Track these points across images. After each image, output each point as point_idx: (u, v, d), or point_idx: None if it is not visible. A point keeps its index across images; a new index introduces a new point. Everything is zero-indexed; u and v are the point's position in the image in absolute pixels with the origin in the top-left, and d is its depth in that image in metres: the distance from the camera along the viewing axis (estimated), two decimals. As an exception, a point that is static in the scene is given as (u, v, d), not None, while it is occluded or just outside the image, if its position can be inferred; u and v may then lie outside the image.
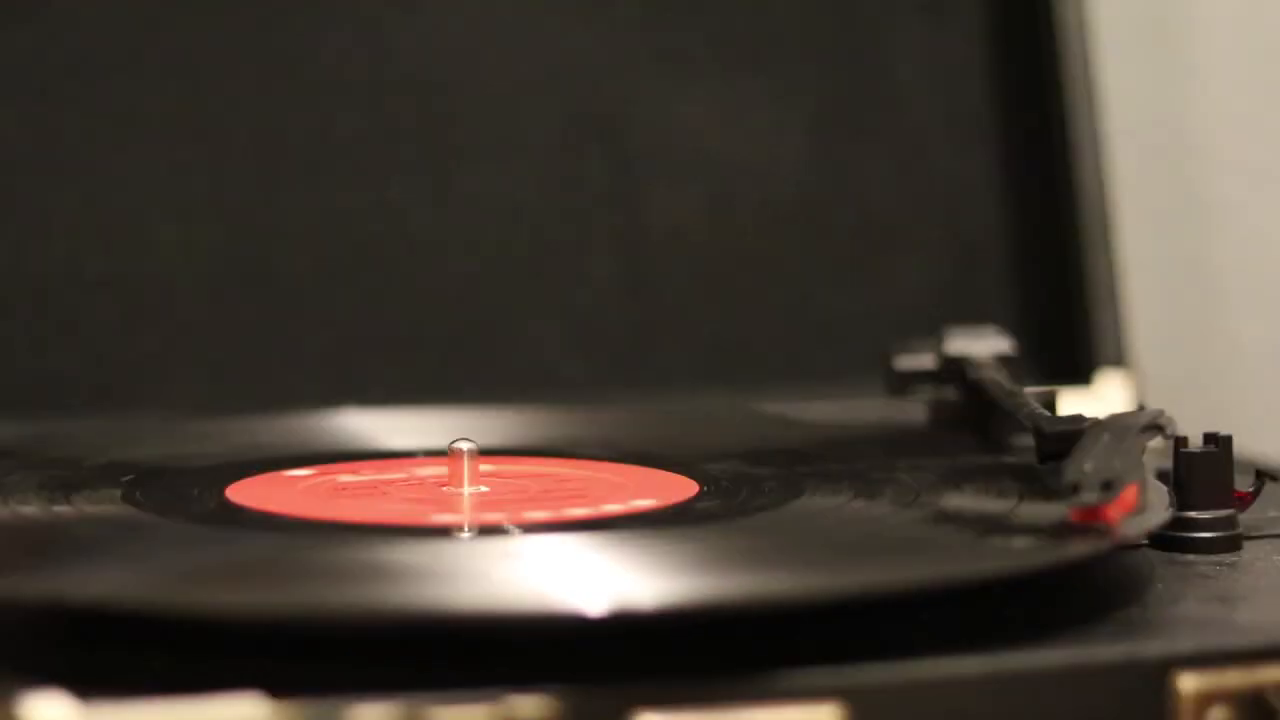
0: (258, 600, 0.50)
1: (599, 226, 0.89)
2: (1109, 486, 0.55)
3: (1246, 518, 0.63)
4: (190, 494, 0.63)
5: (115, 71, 0.85)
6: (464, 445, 0.64)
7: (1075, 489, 0.55)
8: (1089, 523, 0.55)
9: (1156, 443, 0.61)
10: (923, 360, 0.76)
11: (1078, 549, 0.55)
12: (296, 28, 0.87)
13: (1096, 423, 0.59)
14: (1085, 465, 0.55)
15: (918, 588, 0.52)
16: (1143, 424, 0.58)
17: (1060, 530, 0.56)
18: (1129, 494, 0.56)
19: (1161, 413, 0.59)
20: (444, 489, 0.64)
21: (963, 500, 0.61)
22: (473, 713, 0.47)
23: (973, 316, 0.83)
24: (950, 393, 0.74)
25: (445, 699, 0.47)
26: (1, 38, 0.84)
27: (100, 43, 0.85)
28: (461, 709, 0.47)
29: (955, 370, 0.74)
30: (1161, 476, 0.63)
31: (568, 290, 0.88)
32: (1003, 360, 0.74)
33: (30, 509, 0.60)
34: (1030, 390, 0.69)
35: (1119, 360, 0.88)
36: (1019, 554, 0.55)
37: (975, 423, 0.72)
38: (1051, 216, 0.91)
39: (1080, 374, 0.88)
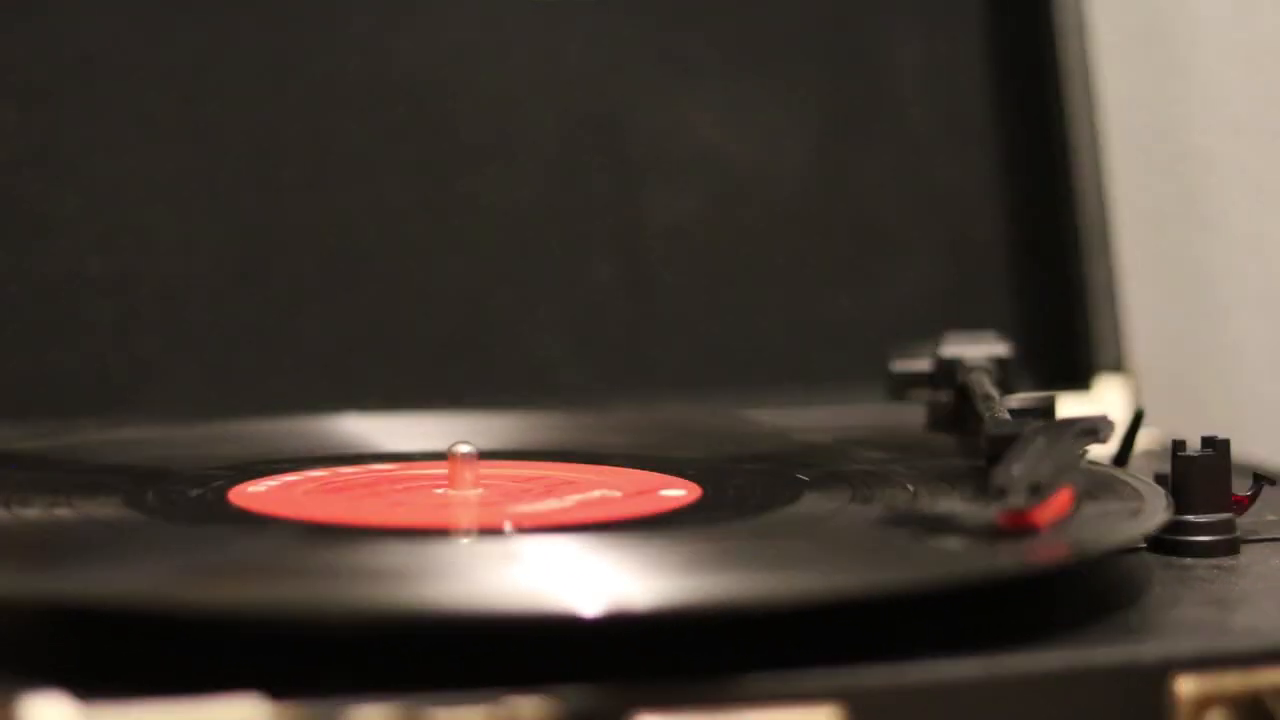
0: (257, 601, 0.50)
1: (599, 227, 0.89)
2: (1036, 490, 0.54)
3: (1244, 521, 0.63)
4: (190, 496, 0.63)
5: (116, 72, 0.85)
6: (463, 448, 0.64)
7: (1002, 493, 0.55)
8: (1017, 527, 0.55)
9: (1160, 446, 0.61)
10: (919, 364, 0.76)
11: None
12: (297, 29, 0.87)
13: (1036, 427, 0.58)
14: (1013, 469, 0.55)
15: (911, 590, 0.52)
16: (1078, 429, 0.58)
17: (990, 535, 0.55)
18: (1060, 499, 0.56)
19: (1103, 418, 0.59)
20: (444, 491, 0.64)
21: (956, 505, 0.61)
22: (471, 714, 0.47)
23: (972, 320, 0.83)
24: (945, 397, 0.74)
25: (443, 700, 0.47)
26: (2, 38, 0.84)
27: (101, 43, 0.85)
28: (459, 710, 0.47)
29: (949, 374, 0.74)
30: (1160, 480, 0.63)
31: (568, 291, 0.88)
32: (998, 364, 0.74)
33: (31, 511, 0.60)
34: (1028, 396, 0.69)
35: (1118, 364, 0.88)
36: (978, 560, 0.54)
37: (968, 426, 0.72)
38: (1051, 220, 0.91)
39: (1079, 378, 0.88)
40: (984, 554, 0.54)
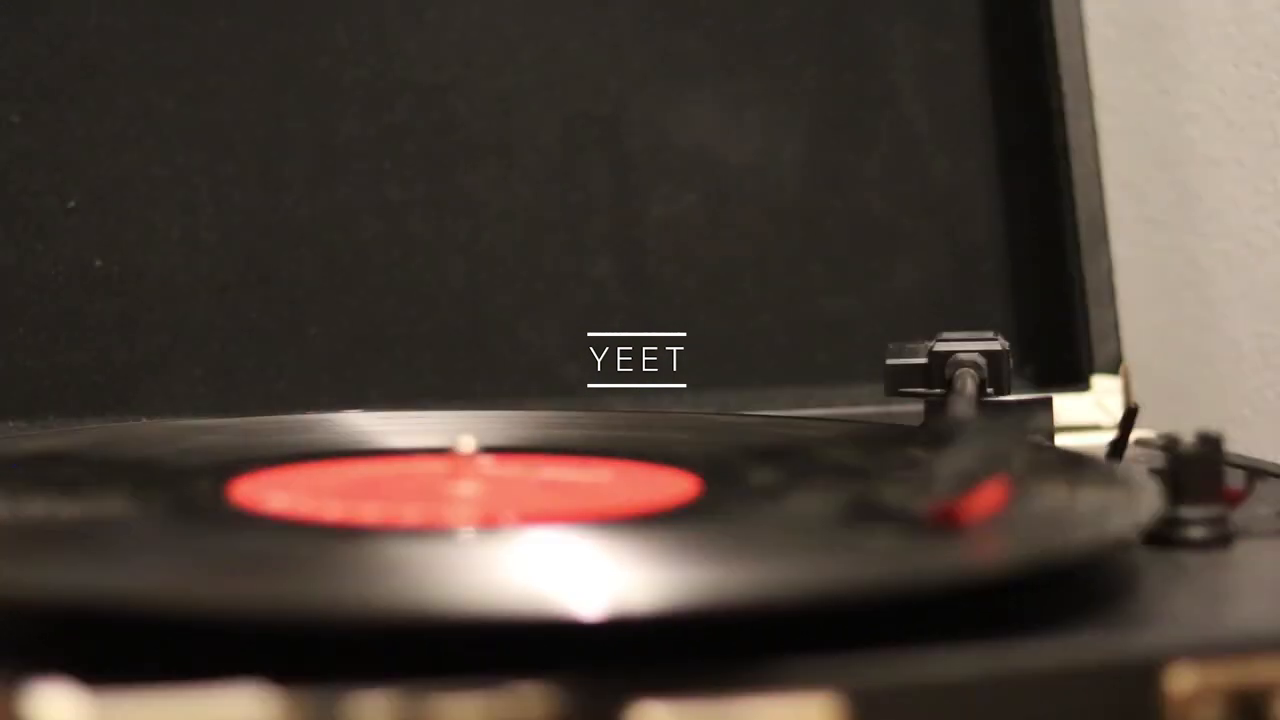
0: (258, 599, 0.50)
1: (599, 226, 0.89)
2: (964, 483, 0.55)
3: (1237, 516, 0.64)
4: (192, 494, 0.63)
5: (119, 71, 0.85)
6: (465, 444, 0.64)
7: (930, 486, 0.55)
8: (944, 521, 0.55)
9: (1155, 443, 0.61)
10: (914, 361, 0.76)
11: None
12: (299, 28, 0.87)
13: (976, 422, 0.58)
14: (942, 463, 0.55)
15: (895, 587, 0.52)
16: (1016, 424, 0.57)
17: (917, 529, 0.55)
18: (990, 494, 0.56)
19: (1043, 412, 0.59)
20: (445, 488, 0.64)
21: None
22: (472, 701, 0.47)
23: (969, 318, 0.83)
24: (937, 393, 0.74)
25: (446, 686, 0.47)
26: (6, 38, 0.84)
27: (105, 43, 0.85)
28: (461, 697, 0.47)
29: (941, 371, 0.74)
30: (1154, 475, 0.63)
31: (568, 290, 0.88)
32: (991, 361, 0.74)
33: (34, 507, 0.60)
34: (1024, 398, 0.69)
35: (1113, 362, 0.88)
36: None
37: None
38: (1047, 219, 0.91)
39: (1075, 376, 0.88)
40: (976, 553, 0.55)
